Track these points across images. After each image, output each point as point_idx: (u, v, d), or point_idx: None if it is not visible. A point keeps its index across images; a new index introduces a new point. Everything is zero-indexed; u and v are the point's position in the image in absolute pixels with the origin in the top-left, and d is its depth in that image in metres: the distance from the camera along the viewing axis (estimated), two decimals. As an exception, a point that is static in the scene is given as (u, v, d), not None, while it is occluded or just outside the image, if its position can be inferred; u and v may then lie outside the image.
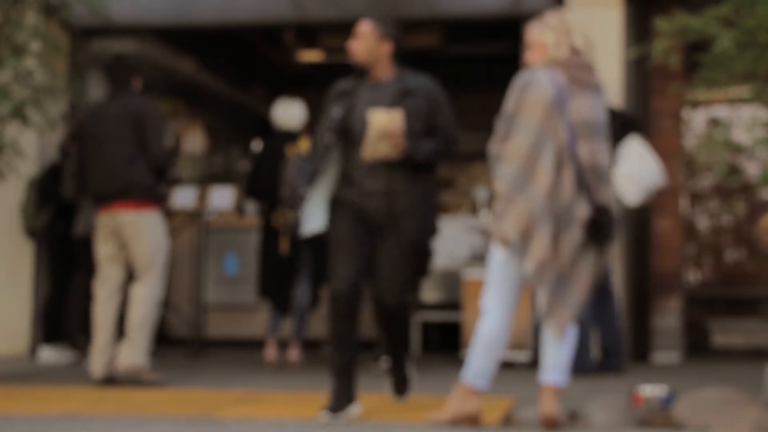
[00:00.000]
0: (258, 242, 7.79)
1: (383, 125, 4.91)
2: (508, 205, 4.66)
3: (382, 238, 5.07)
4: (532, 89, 4.67)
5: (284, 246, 7.53)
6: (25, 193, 8.13)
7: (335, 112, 5.11)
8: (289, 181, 7.41)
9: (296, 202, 7.40)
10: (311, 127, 8.40)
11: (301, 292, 7.73)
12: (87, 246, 7.57)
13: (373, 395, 5.77)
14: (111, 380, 6.38)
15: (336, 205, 5.10)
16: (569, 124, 4.67)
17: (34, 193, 8.07)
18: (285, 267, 7.57)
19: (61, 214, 7.89)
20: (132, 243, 6.46)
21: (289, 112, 7.76)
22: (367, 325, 8.54)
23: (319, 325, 8.53)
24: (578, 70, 4.74)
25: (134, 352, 6.35)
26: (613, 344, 7.13)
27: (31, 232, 8.13)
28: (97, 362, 6.42)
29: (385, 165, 5.02)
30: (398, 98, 5.07)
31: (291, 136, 7.66)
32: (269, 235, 7.60)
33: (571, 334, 4.71)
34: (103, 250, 6.54)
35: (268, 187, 7.55)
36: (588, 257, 4.68)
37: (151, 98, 6.70)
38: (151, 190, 6.49)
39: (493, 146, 4.74)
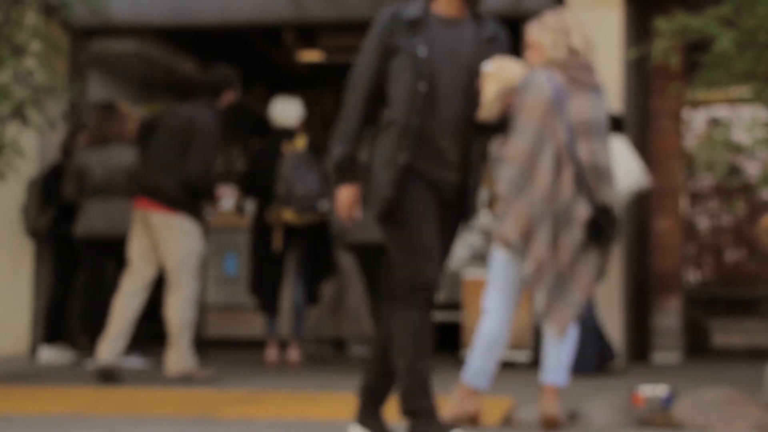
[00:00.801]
0: (250, 239, 7.79)
1: (510, 80, 4.01)
2: (509, 207, 4.67)
3: (445, 217, 4.13)
4: (530, 90, 4.67)
5: (278, 243, 7.54)
6: (26, 193, 8.12)
7: (421, 51, 3.99)
8: (285, 178, 7.42)
9: (292, 199, 7.41)
10: (307, 124, 8.43)
11: (297, 290, 7.74)
12: (88, 246, 7.57)
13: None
14: (109, 374, 6.40)
15: (410, 177, 4.01)
16: (568, 124, 4.68)
17: (36, 193, 8.07)
18: (276, 264, 7.58)
19: (63, 214, 7.88)
20: (162, 244, 6.53)
21: (286, 110, 7.76)
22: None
23: (343, 323, 8.57)
24: (577, 70, 4.74)
25: (181, 357, 6.49)
26: (597, 339, 7.09)
27: (33, 232, 8.13)
28: (103, 351, 6.44)
29: (464, 128, 4.07)
30: (483, 44, 4.10)
31: (288, 134, 7.67)
32: (262, 232, 7.59)
33: (572, 334, 4.71)
34: (137, 246, 6.60)
35: (264, 183, 7.56)
36: (589, 257, 4.68)
37: (218, 115, 6.70)
38: (177, 201, 6.54)
39: (494, 148, 4.75)
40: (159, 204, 6.52)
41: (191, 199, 6.59)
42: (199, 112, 6.62)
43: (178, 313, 6.49)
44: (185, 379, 6.47)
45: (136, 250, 6.60)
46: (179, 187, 6.52)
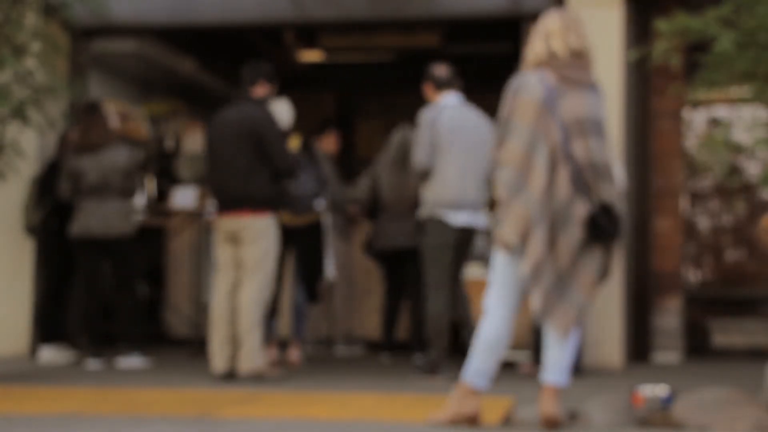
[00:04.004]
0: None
1: None
2: (507, 209, 4.67)
3: None
4: (523, 92, 4.68)
5: None
6: (27, 190, 8.12)
7: None
8: None
9: (289, 200, 7.41)
10: (307, 124, 8.42)
11: (297, 291, 7.73)
12: (83, 247, 7.55)
13: (373, 395, 5.78)
14: (232, 375, 6.55)
15: None
16: (562, 124, 4.67)
17: (35, 190, 8.06)
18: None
19: (56, 211, 7.87)
20: (246, 245, 6.60)
21: (278, 111, 7.77)
22: (372, 327, 8.55)
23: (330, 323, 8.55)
24: (570, 69, 4.74)
25: (252, 356, 6.53)
26: None
27: (30, 229, 8.12)
28: (217, 359, 6.56)
29: None
30: None
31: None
32: None
33: (574, 335, 4.70)
34: (223, 255, 6.71)
35: None
36: (591, 256, 4.67)
37: (267, 107, 6.78)
38: (267, 200, 6.62)
39: (493, 151, 4.76)
40: (247, 210, 6.60)
41: (279, 196, 6.70)
42: (250, 110, 6.70)
43: (250, 314, 6.53)
44: (256, 378, 6.51)
45: (222, 258, 6.71)
46: (268, 187, 6.61)
